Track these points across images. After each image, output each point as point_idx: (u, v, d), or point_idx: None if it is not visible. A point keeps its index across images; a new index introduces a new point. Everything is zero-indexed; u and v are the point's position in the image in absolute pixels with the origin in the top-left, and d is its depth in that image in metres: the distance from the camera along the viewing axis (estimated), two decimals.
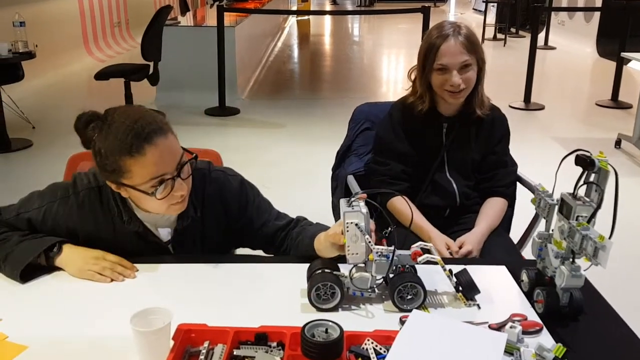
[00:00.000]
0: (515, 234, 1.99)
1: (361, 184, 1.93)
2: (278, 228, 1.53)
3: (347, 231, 1.25)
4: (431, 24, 2.39)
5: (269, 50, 9.54)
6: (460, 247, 1.74)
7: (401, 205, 1.83)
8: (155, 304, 1.09)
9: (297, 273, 1.37)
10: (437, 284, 1.33)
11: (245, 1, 8.92)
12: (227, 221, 1.52)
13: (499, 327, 1.16)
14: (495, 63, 8.85)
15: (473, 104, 1.82)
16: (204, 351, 1.07)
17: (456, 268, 1.30)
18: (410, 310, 1.23)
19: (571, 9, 10.11)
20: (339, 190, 2.07)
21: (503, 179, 1.89)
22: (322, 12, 14.32)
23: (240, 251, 1.68)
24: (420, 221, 1.82)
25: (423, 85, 1.82)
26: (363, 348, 1.08)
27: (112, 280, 1.35)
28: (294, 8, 13.69)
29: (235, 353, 1.07)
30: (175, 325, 1.08)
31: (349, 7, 18.04)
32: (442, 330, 1.13)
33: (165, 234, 1.48)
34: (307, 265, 1.35)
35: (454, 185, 1.87)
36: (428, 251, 1.30)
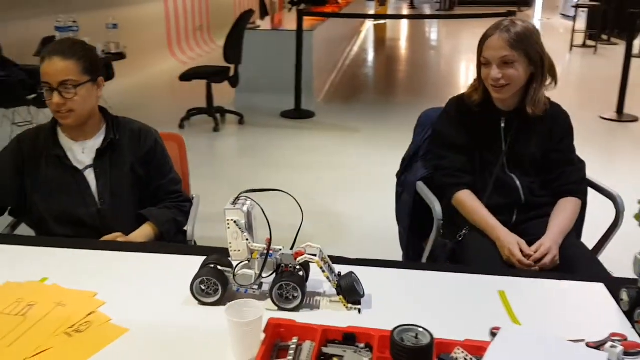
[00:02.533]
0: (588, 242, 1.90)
1: (430, 189, 1.95)
2: (163, 191, 1.85)
3: (228, 228, 1.26)
4: None
5: (345, 54, 9.58)
6: (536, 253, 1.67)
7: (466, 200, 1.82)
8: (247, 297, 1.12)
9: (388, 276, 1.38)
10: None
11: (323, 5, 9.00)
12: (135, 160, 1.80)
13: (598, 346, 1.11)
14: (585, 71, 8.46)
15: (525, 102, 1.79)
16: (293, 346, 1.08)
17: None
18: (289, 310, 1.24)
19: None
20: (405, 195, 2.07)
21: (571, 176, 1.83)
22: (399, 17, 14.20)
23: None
24: (488, 218, 1.77)
25: (478, 77, 1.84)
26: (453, 357, 1.06)
27: None
28: (371, 12, 13.67)
29: (323, 350, 1.08)
30: (265, 319, 1.10)
31: (427, 11, 17.79)
32: (536, 345, 1.08)
33: (88, 159, 1.76)
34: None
35: (517, 182, 1.83)
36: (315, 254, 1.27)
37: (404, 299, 1.32)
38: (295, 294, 1.24)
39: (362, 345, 1.10)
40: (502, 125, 1.84)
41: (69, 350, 1.10)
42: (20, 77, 4.12)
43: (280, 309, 1.25)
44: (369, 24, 13.75)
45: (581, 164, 1.90)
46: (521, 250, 1.68)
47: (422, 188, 1.97)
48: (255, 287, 1.28)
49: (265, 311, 1.10)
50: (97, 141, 1.78)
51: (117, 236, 1.70)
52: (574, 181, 1.83)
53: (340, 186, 4.08)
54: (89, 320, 1.19)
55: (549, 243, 1.68)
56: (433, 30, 13.86)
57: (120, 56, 5.02)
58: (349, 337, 1.11)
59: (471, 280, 1.40)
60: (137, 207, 1.80)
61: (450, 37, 12.92)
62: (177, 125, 5.39)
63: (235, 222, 1.26)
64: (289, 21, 7.72)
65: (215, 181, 4.08)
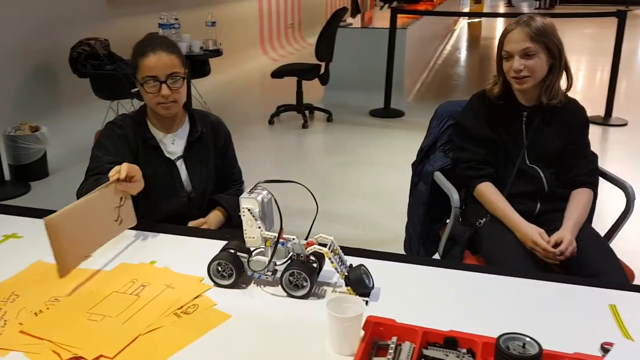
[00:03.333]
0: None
1: (448, 178, 2.01)
2: (230, 179, 2.00)
3: (243, 216, 1.31)
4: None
5: (437, 53, 9.41)
6: (561, 245, 1.72)
7: (488, 192, 1.89)
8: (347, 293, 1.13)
9: (499, 283, 1.36)
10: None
11: (416, 3, 8.90)
12: (215, 151, 1.91)
13: None
14: None
15: (541, 92, 1.85)
16: (392, 345, 1.07)
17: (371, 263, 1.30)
18: (298, 297, 1.27)
19: None
20: (421, 185, 2.15)
21: (584, 167, 1.90)
22: (495, 15, 13.75)
23: None
24: (508, 210, 1.84)
25: (498, 72, 1.92)
26: None
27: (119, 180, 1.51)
28: (466, 10, 13.34)
29: (424, 352, 1.06)
30: (364, 317, 1.10)
31: (525, 9, 17.09)
32: None
33: (179, 150, 1.85)
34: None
35: (540, 172, 1.89)
36: (326, 245, 1.29)
37: (433, 297, 1.31)
38: (305, 283, 1.27)
39: (464, 350, 1.07)
40: (524, 119, 1.90)
41: (178, 331, 1.15)
42: (125, 70, 4.36)
43: (289, 295, 1.28)
44: (463, 22, 13.42)
45: (594, 157, 1.95)
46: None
47: (439, 177, 2.04)
48: (269, 273, 1.32)
49: (366, 308, 1.09)
50: (184, 132, 1.87)
51: (203, 222, 1.79)
52: (585, 172, 1.90)
53: None
54: (196, 303, 1.25)
55: (570, 235, 1.74)
56: None
57: (217, 53, 5.20)
58: (451, 341, 1.08)
59: (580, 291, 1.34)
60: (212, 194, 1.92)
61: None
62: (266, 121, 5.52)
63: (249, 210, 1.31)
64: (380, 19, 7.69)
65: (301, 177, 4.13)
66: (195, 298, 1.26)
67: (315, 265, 1.33)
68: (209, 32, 5.30)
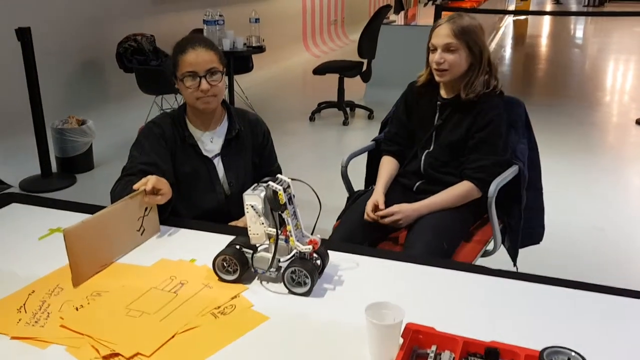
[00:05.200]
0: None
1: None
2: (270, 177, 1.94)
3: (247, 212, 1.31)
4: None
5: None
6: (381, 211, 1.92)
7: (382, 164, 2.14)
8: (385, 299, 1.11)
9: (544, 293, 1.32)
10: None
11: (460, 0, 8.74)
12: (252, 148, 1.92)
13: None
14: None
15: (460, 87, 1.95)
16: (432, 354, 1.05)
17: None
18: (299, 294, 1.28)
19: None
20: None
21: (474, 162, 1.96)
22: (541, 13, 13.41)
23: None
24: (379, 180, 2.07)
25: (427, 62, 2.02)
26: None
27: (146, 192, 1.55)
28: (512, 7, 13.04)
29: None
30: (403, 324, 1.08)
31: (573, 7, 16.61)
32: None
33: (217, 147, 1.86)
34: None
35: (422, 156, 2.05)
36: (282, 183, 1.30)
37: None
38: (306, 280, 1.28)
39: None
40: (437, 109, 2.03)
41: (214, 331, 1.15)
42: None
43: (291, 292, 1.29)
44: (509, 20, 13.15)
45: (494, 156, 1.95)
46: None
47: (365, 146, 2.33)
48: (273, 269, 1.32)
49: (405, 315, 1.07)
50: (222, 130, 1.88)
51: (245, 224, 1.78)
52: (473, 167, 1.96)
53: None
54: (233, 303, 1.24)
55: (397, 208, 1.91)
56: (579, 28, 12.94)
57: (260, 49, 5.22)
58: (492, 352, 1.05)
59: (628, 304, 1.28)
60: None
61: (598, 36, 12.00)
62: (307, 118, 5.52)
63: (252, 206, 1.31)
64: (423, 16, 7.59)
65: (339, 174, 4.10)
66: (233, 298, 1.26)
67: (318, 262, 1.34)
68: (253, 29, 5.33)
